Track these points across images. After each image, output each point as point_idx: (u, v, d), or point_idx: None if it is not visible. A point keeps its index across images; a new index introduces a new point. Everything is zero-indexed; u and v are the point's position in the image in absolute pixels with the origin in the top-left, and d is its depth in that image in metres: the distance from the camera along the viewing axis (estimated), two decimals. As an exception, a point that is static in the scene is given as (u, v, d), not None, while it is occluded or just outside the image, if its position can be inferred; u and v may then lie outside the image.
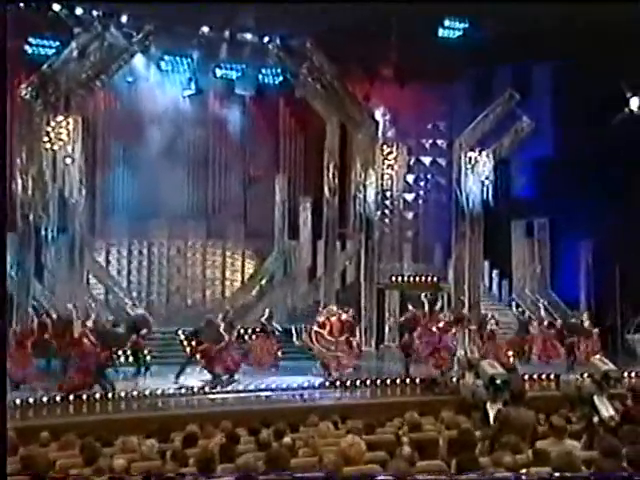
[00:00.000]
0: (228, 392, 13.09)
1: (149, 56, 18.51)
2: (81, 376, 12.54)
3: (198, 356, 14.09)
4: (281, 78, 20.18)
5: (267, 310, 16.82)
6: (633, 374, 14.93)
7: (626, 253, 18.96)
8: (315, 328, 15.21)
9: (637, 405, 7.32)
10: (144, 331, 15.31)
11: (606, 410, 7.11)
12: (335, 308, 15.90)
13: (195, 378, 14.00)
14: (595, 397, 7.29)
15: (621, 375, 8.37)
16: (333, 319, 15.27)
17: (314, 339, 15.01)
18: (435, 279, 19.55)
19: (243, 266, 21.39)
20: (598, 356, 8.73)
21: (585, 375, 8.77)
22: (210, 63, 19.50)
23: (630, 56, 17.08)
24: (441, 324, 15.10)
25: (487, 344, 15.52)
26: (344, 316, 15.47)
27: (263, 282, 21.08)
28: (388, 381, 14.04)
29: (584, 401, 7.47)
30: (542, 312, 18.55)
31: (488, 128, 19.67)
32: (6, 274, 5.67)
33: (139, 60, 18.38)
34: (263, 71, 20.15)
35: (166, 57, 19.18)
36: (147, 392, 12.76)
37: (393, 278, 19.65)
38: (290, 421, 8.79)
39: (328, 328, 15.09)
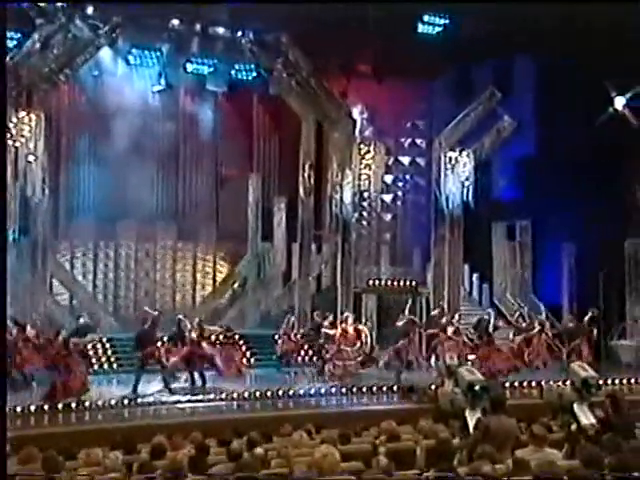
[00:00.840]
0: (199, 401, 13.02)
1: (116, 49, 18.35)
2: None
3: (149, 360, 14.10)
4: (255, 74, 20.13)
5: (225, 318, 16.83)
6: (617, 381, 15.12)
7: (610, 257, 19.20)
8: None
9: (616, 413, 7.39)
10: (88, 337, 15.15)
11: (586, 418, 7.20)
12: (350, 318, 16.12)
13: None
14: (575, 405, 7.38)
15: (602, 382, 8.47)
16: (350, 330, 15.56)
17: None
18: (413, 283, 19.66)
19: (215, 269, 21.32)
20: (578, 362, 8.83)
21: (568, 382, 8.86)
22: (180, 57, 19.40)
23: (615, 55, 17.31)
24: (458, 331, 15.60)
25: (485, 349, 15.69)
26: (360, 326, 15.90)
27: (235, 286, 21.05)
28: (364, 389, 14.06)
29: (565, 409, 7.55)
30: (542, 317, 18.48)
31: (469, 127, 19.83)
32: (6, 277, 5.69)
33: (106, 53, 18.22)
34: (236, 66, 20.05)
35: (134, 51, 19.04)
36: (113, 401, 12.63)
37: (370, 282, 19.72)
38: (263, 430, 8.77)
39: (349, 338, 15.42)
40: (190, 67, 19.77)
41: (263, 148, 22.07)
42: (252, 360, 17.05)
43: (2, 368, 5.14)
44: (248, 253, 20.88)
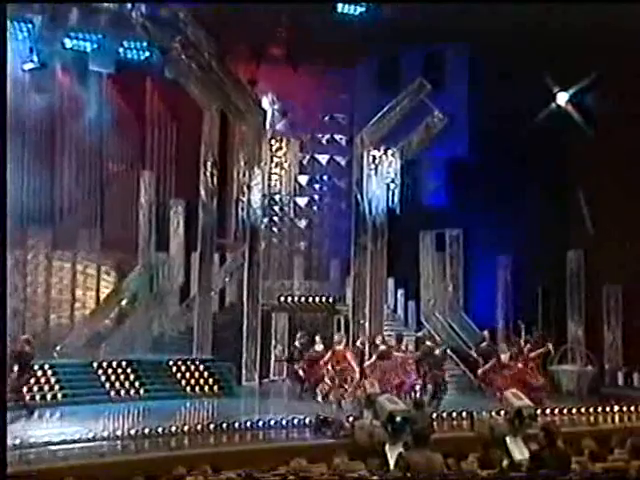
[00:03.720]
0: (75, 442, 12.67)
1: (-23, 19, 17.80)
2: None
3: None
4: (147, 54, 19.91)
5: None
6: (556, 411, 15.57)
7: (550, 271, 19.82)
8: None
9: (550, 446, 7.57)
10: None
11: (520, 453, 7.38)
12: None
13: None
14: (508, 438, 7.56)
15: (537, 412, 8.72)
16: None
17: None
18: (330, 300, 19.80)
19: (98, 284, 20.93)
20: (512, 390, 9.05)
21: (502, 413, 9.09)
22: (57, 31, 18.95)
23: (556, 48, 17.95)
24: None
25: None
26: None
27: (123, 303, 20.69)
28: (272, 422, 14.03)
29: (497, 443, 7.72)
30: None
31: (395, 122, 20.14)
32: (6, 277, 5.82)
33: (-35, 24, 17.64)
34: (125, 44, 19.80)
35: None
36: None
37: (281, 298, 19.75)
38: (151, 474, 8.67)
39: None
40: (69, 43, 19.38)
41: (157, 141, 21.84)
42: (141, 391, 16.79)
43: (2, 368, 5.13)
44: (139, 264, 20.57)
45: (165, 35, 18.53)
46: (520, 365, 16.23)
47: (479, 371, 16.87)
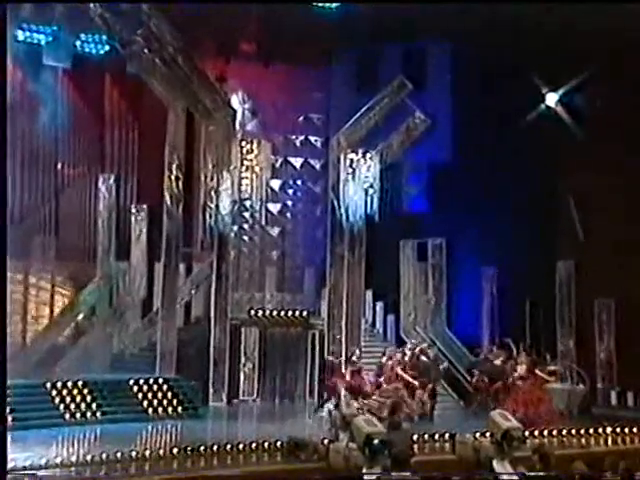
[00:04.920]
0: (26, 468, 12.48)
1: None
2: None
3: None
4: (107, 48, 19.91)
5: None
6: (545, 432, 15.60)
7: (539, 283, 19.90)
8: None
9: (545, 470, 7.60)
10: None
11: (508, 477, 7.39)
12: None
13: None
14: (494, 461, 7.57)
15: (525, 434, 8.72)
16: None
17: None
18: (304, 313, 19.79)
19: (52, 297, 20.79)
20: (499, 410, 9.04)
21: (488, 434, 9.07)
22: (9, 23, 18.86)
23: (546, 46, 18.09)
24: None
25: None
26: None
27: (80, 318, 20.54)
28: (241, 446, 13.95)
29: (483, 466, 7.73)
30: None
31: (373, 124, 20.22)
32: (6, 275, 6.72)
33: None
34: (82, 37, 19.78)
35: (-54, 12, 18.35)
36: None
37: (252, 312, 19.70)
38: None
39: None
40: (22, 35, 19.35)
41: (118, 142, 21.79)
42: (99, 413, 16.65)
43: (2, 370, 6.28)
44: (97, 276, 20.46)
45: (126, 28, 18.40)
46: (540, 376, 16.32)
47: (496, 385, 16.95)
